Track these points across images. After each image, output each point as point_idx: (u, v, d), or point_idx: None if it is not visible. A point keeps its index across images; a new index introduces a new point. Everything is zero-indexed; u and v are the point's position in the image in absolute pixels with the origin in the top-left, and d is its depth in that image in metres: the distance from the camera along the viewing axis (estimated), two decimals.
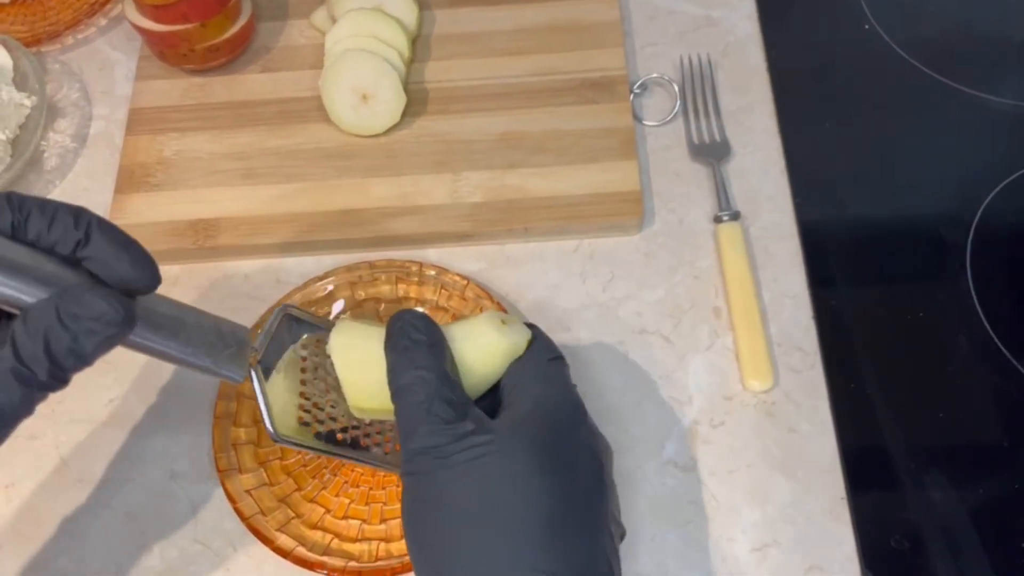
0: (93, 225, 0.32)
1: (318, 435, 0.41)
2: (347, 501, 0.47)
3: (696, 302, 0.52)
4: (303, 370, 0.41)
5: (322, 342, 0.42)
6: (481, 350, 0.37)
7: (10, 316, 0.32)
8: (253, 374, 0.38)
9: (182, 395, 0.50)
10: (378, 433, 0.43)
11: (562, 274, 0.53)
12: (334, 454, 0.41)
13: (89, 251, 0.32)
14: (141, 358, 0.51)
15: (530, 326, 0.40)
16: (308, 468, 0.48)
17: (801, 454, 0.47)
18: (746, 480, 0.47)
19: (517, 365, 0.38)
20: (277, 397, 0.40)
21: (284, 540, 0.44)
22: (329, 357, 0.40)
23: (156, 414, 0.50)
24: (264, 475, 0.46)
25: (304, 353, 0.42)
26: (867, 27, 0.61)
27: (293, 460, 0.48)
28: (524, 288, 0.53)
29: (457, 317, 0.50)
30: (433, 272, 0.51)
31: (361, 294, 0.51)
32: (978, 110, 0.58)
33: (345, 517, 0.46)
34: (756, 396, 0.49)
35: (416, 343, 0.36)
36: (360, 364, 0.38)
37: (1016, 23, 0.61)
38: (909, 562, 0.44)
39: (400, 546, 0.45)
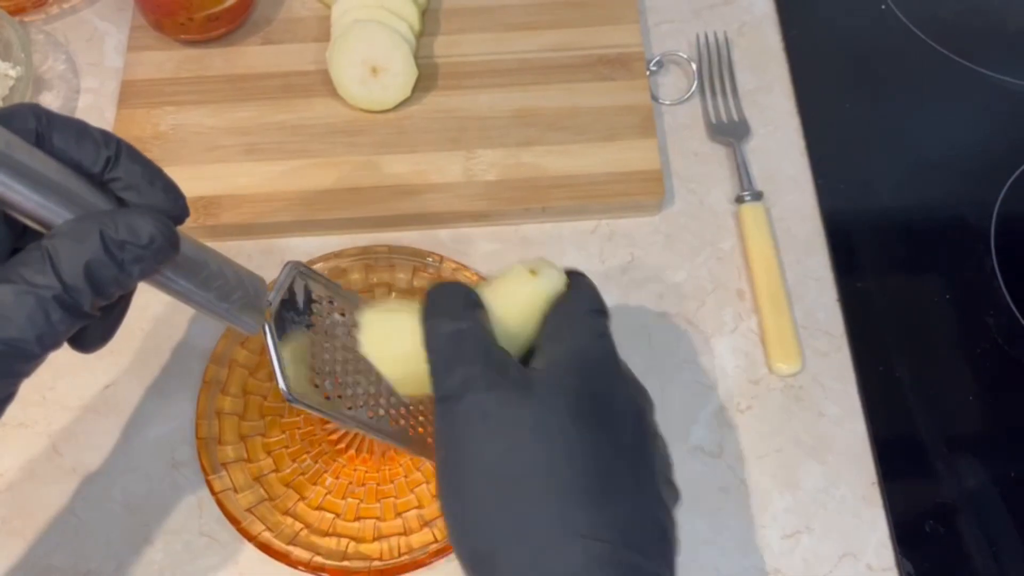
0: (123, 146, 0.30)
1: (328, 399, 0.38)
2: (356, 502, 0.45)
3: (719, 284, 0.51)
4: (314, 332, 0.39)
5: (333, 304, 0.40)
6: (514, 307, 0.35)
7: (24, 229, 0.29)
8: (267, 328, 0.36)
9: (184, 380, 0.48)
10: (394, 408, 0.40)
11: (580, 255, 0.51)
12: (348, 420, 0.38)
13: (119, 172, 0.30)
14: (138, 341, 0.49)
15: (575, 274, 0.37)
16: (307, 476, 0.45)
17: (831, 438, 0.46)
18: (775, 466, 0.46)
19: (554, 316, 0.35)
20: (285, 359, 0.37)
21: (299, 553, 0.42)
22: (343, 317, 0.39)
23: (156, 400, 0.47)
24: (262, 491, 0.44)
25: (315, 309, 0.39)
26: (883, 7, 0.60)
27: (289, 471, 0.45)
28: None
29: None
30: (404, 253, 0.49)
31: None
32: (998, 92, 0.57)
33: (358, 518, 0.44)
34: (783, 380, 0.48)
35: (454, 304, 0.34)
36: (394, 351, 0.36)
37: None
38: (944, 547, 0.43)
39: (421, 537, 0.43)
